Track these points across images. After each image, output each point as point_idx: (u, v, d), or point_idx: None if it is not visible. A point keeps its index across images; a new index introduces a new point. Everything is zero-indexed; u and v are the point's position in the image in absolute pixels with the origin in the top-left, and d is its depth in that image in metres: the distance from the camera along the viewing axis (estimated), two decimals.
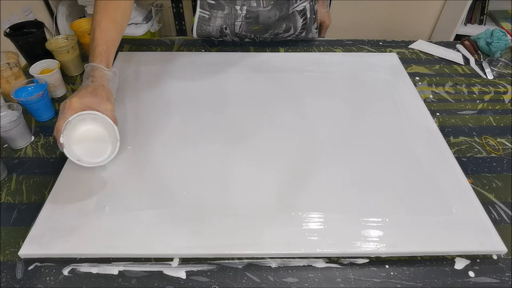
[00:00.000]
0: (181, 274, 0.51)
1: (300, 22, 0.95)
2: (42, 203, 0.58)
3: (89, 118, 0.60)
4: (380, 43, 1.02)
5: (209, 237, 0.54)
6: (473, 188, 0.62)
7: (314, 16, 0.98)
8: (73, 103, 0.58)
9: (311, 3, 0.95)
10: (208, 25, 0.92)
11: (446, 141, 0.70)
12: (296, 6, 0.92)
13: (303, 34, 0.99)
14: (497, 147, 0.72)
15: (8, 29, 0.85)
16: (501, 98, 0.85)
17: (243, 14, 0.89)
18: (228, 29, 0.92)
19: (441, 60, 0.97)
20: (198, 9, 0.90)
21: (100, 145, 0.61)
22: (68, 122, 0.57)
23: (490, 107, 0.82)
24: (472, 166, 0.68)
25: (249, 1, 0.87)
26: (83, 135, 0.61)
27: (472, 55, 0.98)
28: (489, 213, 0.59)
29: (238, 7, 0.88)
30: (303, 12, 0.94)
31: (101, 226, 0.55)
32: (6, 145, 0.69)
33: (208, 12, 0.90)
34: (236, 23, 0.91)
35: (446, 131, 0.75)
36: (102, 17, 0.68)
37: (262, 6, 0.87)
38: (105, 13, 0.68)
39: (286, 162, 0.65)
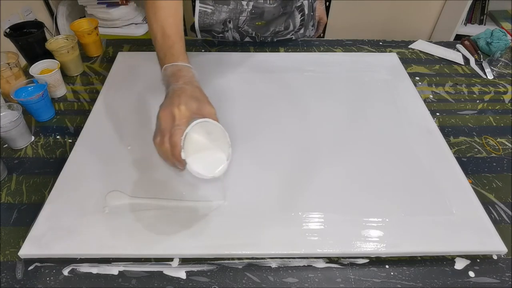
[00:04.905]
0: (181, 274, 0.51)
1: (298, 18, 0.96)
2: (42, 203, 0.58)
3: (196, 126, 0.51)
4: (380, 43, 1.02)
5: (209, 237, 0.54)
6: (473, 188, 0.62)
7: (312, 13, 0.99)
8: (184, 112, 0.49)
9: (310, 1, 0.96)
10: (212, 19, 0.92)
11: (446, 141, 0.70)
12: (296, 3, 0.92)
13: (301, 31, 1.00)
14: (497, 147, 0.72)
15: (8, 29, 0.85)
16: (501, 98, 0.85)
17: (249, 9, 0.89)
18: (231, 22, 0.92)
19: (441, 60, 0.97)
20: (197, 4, 0.90)
21: (211, 153, 0.54)
22: (186, 135, 0.49)
23: (490, 107, 0.82)
24: (472, 166, 0.68)
25: None
26: (194, 145, 0.52)
27: (472, 55, 0.98)
28: (489, 213, 0.59)
29: (244, 3, 0.87)
30: (301, 8, 0.94)
31: (101, 226, 0.55)
32: (6, 145, 0.69)
33: (211, 7, 0.90)
34: (240, 17, 0.91)
35: (446, 131, 0.75)
36: (167, 14, 0.61)
37: (268, 2, 0.87)
38: (169, 8, 0.62)
39: (286, 162, 0.65)
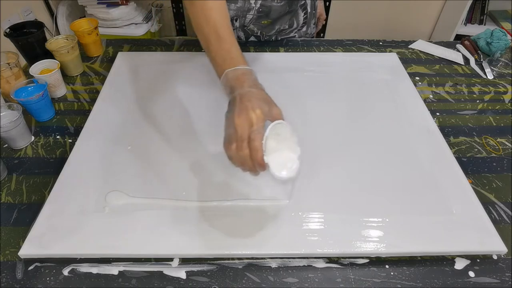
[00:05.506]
0: (181, 274, 0.51)
1: (301, 16, 0.96)
2: (42, 203, 0.58)
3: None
4: (380, 43, 1.02)
5: (209, 237, 0.54)
6: (473, 188, 0.62)
7: (314, 11, 1.00)
8: (260, 115, 0.48)
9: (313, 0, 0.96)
10: None
11: (446, 141, 0.70)
12: (300, 1, 0.93)
13: (304, 28, 1.00)
14: (497, 147, 0.72)
15: (8, 29, 0.85)
16: (501, 98, 0.85)
17: (257, 8, 0.89)
18: (238, 20, 0.92)
19: (441, 60, 0.97)
20: None
21: (283, 154, 0.52)
22: (266, 138, 0.48)
23: (490, 107, 0.82)
24: (472, 166, 0.68)
25: None
26: (267, 147, 0.50)
27: (472, 55, 0.98)
28: (489, 213, 0.59)
29: (252, 1, 0.87)
30: (304, 7, 0.95)
31: (101, 226, 0.55)
32: (6, 145, 0.69)
33: None
34: (247, 15, 0.91)
35: (446, 131, 0.75)
36: (219, 16, 0.58)
37: (276, 1, 0.88)
38: (220, 10, 0.58)
39: None
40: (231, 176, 0.62)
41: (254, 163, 0.47)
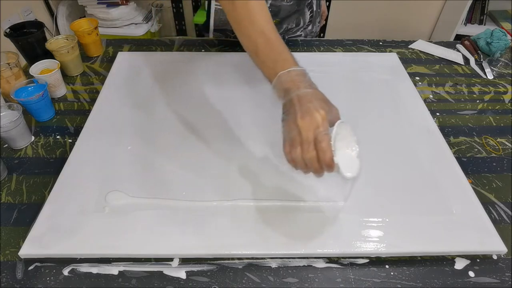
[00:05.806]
0: (181, 274, 0.51)
1: (308, 15, 0.97)
2: (42, 203, 0.58)
3: None
4: (380, 43, 1.02)
5: (209, 237, 0.54)
6: (473, 188, 0.62)
7: (319, 10, 1.01)
8: (324, 116, 0.48)
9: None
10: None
11: (446, 141, 0.70)
12: (307, 0, 0.93)
13: (309, 27, 1.01)
14: (497, 147, 0.72)
15: (8, 29, 0.85)
16: (501, 98, 0.85)
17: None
18: None
19: (441, 60, 0.97)
20: (213, 3, 0.88)
21: (344, 153, 0.51)
22: (334, 139, 0.48)
23: (490, 107, 0.82)
24: (472, 166, 0.68)
25: None
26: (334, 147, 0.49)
27: (472, 55, 0.98)
28: (489, 213, 0.59)
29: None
30: (310, 5, 0.95)
31: (101, 226, 0.55)
32: (6, 145, 0.69)
33: None
34: None
35: (446, 131, 0.75)
36: (265, 18, 0.56)
37: (285, 1, 0.88)
38: (265, 12, 0.57)
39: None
40: (231, 174, 0.62)
41: (322, 165, 0.46)
